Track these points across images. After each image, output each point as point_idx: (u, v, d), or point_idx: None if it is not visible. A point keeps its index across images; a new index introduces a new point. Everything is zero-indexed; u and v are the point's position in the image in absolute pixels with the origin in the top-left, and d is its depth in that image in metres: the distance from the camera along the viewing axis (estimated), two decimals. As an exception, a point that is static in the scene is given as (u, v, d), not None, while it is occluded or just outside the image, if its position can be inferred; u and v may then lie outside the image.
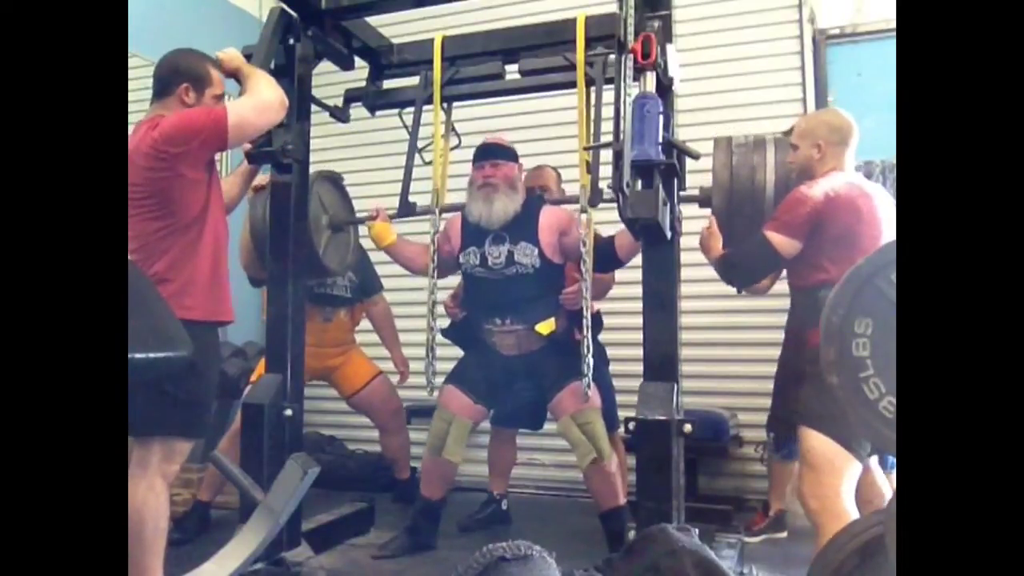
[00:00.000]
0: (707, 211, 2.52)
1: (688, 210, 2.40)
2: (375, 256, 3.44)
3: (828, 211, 2.19)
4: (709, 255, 2.45)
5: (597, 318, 2.88)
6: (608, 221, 2.71)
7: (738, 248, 2.36)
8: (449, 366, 2.86)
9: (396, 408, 3.44)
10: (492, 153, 2.74)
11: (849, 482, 2.07)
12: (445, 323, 2.91)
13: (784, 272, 2.48)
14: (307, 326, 2.63)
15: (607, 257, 2.54)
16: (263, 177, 2.85)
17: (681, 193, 2.24)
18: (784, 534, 3.03)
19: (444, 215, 2.74)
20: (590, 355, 2.42)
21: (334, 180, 3.08)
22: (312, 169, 2.70)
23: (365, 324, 3.55)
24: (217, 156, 2.39)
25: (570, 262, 2.76)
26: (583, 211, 2.42)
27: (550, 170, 3.21)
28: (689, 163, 2.23)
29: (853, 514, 1.97)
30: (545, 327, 2.66)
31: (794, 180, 2.36)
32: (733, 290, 2.74)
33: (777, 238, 2.23)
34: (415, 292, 3.16)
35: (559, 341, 2.69)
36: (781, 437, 2.87)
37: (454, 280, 3.02)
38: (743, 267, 2.39)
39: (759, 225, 2.31)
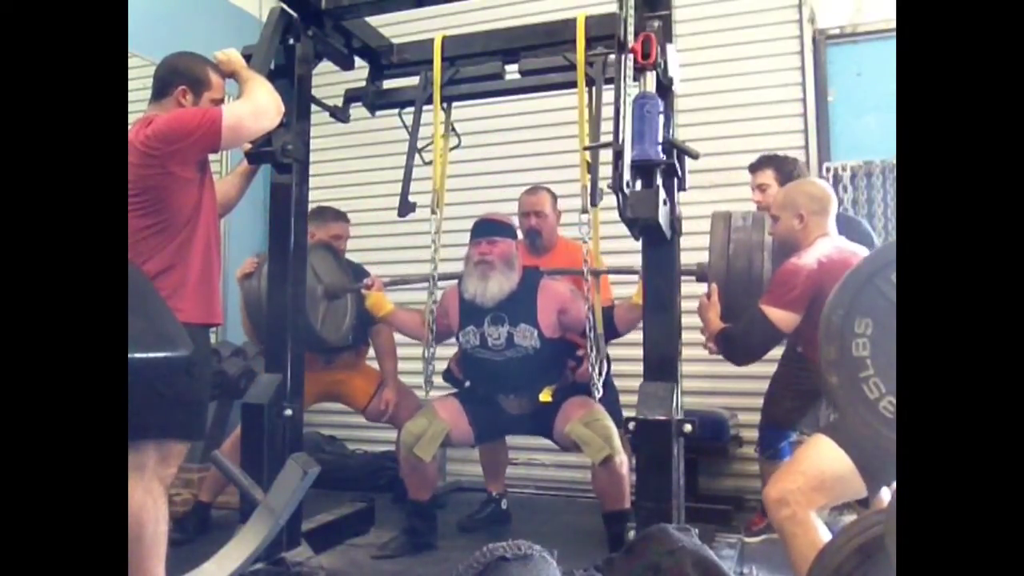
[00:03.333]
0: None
1: (687, 288, 2.39)
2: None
3: (826, 277, 2.15)
4: (707, 328, 2.42)
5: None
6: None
7: (736, 325, 2.33)
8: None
9: (414, 407, 3.25)
10: (489, 230, 2.74)
11: (827, 502, 1.98)
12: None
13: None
14: (308, 365, 2.62)
15: (606, 328, 2.51)
16: (251, 262, 2.89)
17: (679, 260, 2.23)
18: None
19: (444, 281, 2.75)
20: (594, 355, 2.40)
21: (329, 247, 3.07)
22: (312, 169, 2.69)
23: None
24: (217, 156, 2.40)
25: (571, 333, 2.76)
26: (584, 211, 2.41)
27: (545, 193, 3.15)
28: (689, 162, 2.23)
29: (823, 529, 1.89)
30: (546, 395, 2.70)
31: (776, 250, 2.36)
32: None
33: (775, 312, 2.21)
34: (416, 303, 3.15)
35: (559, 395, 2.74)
36: (768, 437, 2.88)
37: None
38: (742, 344, 2.34)
39: (756, 300, 2.28)
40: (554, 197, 3.16)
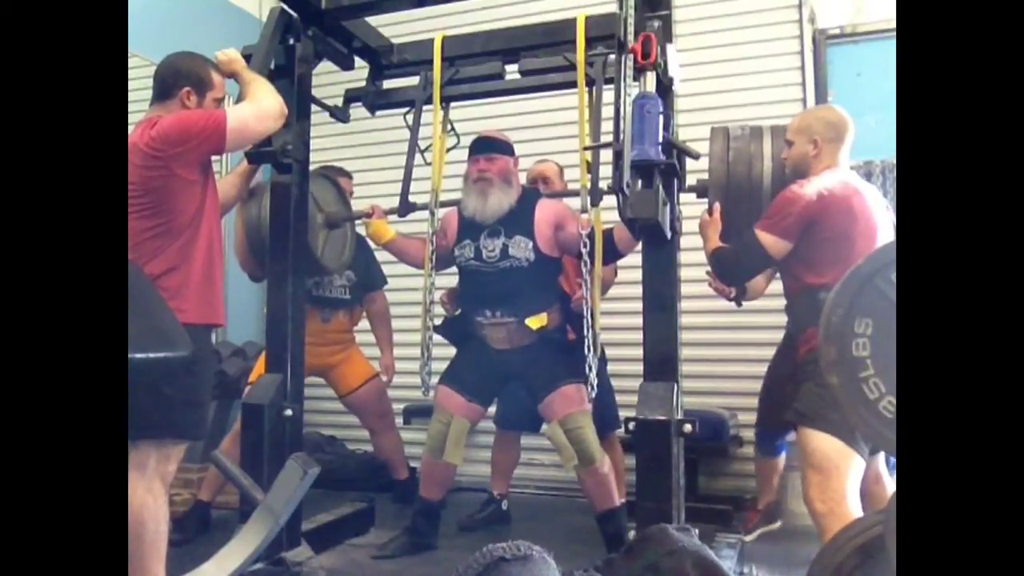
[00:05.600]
0: (705, 202, 2.52)
1: (688, 209, 2.39)
2: (380, 260, 3.45)
3: (821, 211, 2.17)
4: (706, 245, 2.44)
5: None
6: (608, 222, 2.71)
7: (730, 247, 2.36)
8: (445, 367, 2.87)
9: (385, 411, 3.44)
10: (487, 147, 2.73)
11: (853, 482, 2.06)
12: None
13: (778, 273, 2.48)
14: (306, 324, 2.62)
15: (606, 249, 2.49)
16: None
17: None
18: (778, 524, 3.02)
19: (442, 209, 2.74)
20: (591, 355, 2.38)
21: (327, 175, 3.08)
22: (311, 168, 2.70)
23: (364, 323, 3.55)
24: (218, 156, 2.40)
25: (567, 255, 2.75)
26: (584, 211, 2.41)
27: (552, 163, 3.23)
28: (689, 162, 2.23)
29: (858, 515, 1.97)
30: (535, 322, 2.63)
31: (788, 176, 2.35)
32: (732, 291, 2.74)
33: (767, 238, 2.22)
34: (413, 292, 3.15)
35: (551, 338, 2.67)
36: (764, 435, 2.89)
37: (454, 278, 3.02)
38: (733, 265, 2.38)
39: (757, 216, 2.30)
40: (561, 169, 3.23)
